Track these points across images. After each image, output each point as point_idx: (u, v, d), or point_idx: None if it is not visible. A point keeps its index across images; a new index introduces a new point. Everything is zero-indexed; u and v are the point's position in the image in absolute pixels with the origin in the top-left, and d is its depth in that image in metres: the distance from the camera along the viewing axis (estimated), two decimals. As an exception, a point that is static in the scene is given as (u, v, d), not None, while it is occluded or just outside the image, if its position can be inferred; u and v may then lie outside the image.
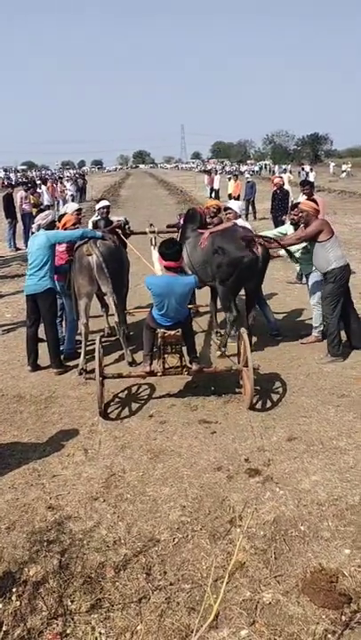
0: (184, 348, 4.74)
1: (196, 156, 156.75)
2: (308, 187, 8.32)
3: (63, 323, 6.06)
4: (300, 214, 5.65)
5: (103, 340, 5.22)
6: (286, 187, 12.31)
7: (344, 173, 43.78)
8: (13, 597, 2.61)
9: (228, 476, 3.65)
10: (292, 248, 5.82)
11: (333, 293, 5.47)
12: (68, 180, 27.85)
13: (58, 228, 5.83)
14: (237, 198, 16.60)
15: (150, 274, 4.90)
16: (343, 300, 5.56)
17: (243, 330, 4.80)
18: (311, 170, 36.47)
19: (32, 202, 14.55)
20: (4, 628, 2.45)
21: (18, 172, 74.52)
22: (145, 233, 6.50)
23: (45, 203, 16.80)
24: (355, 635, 2.40)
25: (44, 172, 74.84)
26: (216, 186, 22.75)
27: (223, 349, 5.66)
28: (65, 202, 19.25)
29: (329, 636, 2.40)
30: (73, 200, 21.25)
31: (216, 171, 32.99)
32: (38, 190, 16.95)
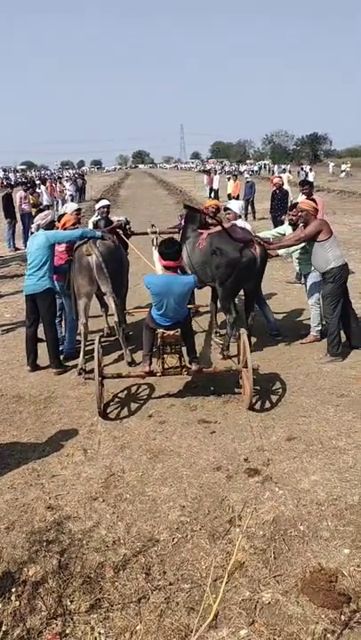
0: (183, 349, 4.74)
1: (196, 155, 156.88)
2: (307, 186, 8.33)
3: (63, 323, 6.07)
4: (300, 213, 5.65)
5: (102, 339, 5.22)
6: (286, 187, 12.35)
7: (343, 173, 43.84)
8: (13, 597, 2.61)
9: (228, 475, 3.65)
10: (291, 248, 5.83)
11: (333, 293, 5.47)
12: (67, 180, 27.84)
13: (57, 228, 5.83)
14: (237, 198, 16.62)
15: (150, 273, 4.90)
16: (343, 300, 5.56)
17: (242, 330, 4.80)
18: (310, 170, 36.57)
19: (31, 202, 14.55)
20: (3, 628, 2.45)
21: (17, 171, 74.57)
22: (146, 233, 6.50)
23: (45, 203, 16.80)
24: (354, 634, 2.40)
25: (43, 171, 74.84)
26: (215, 186, 22.74)
27: (225, 353, 5.66)
28: (64, 202, 19.22)
29: (328, 635, 2.40)
30: (72, 200, 21.24)
31: (215, 171, 32.97)
32: (37, 190, 16.94)
